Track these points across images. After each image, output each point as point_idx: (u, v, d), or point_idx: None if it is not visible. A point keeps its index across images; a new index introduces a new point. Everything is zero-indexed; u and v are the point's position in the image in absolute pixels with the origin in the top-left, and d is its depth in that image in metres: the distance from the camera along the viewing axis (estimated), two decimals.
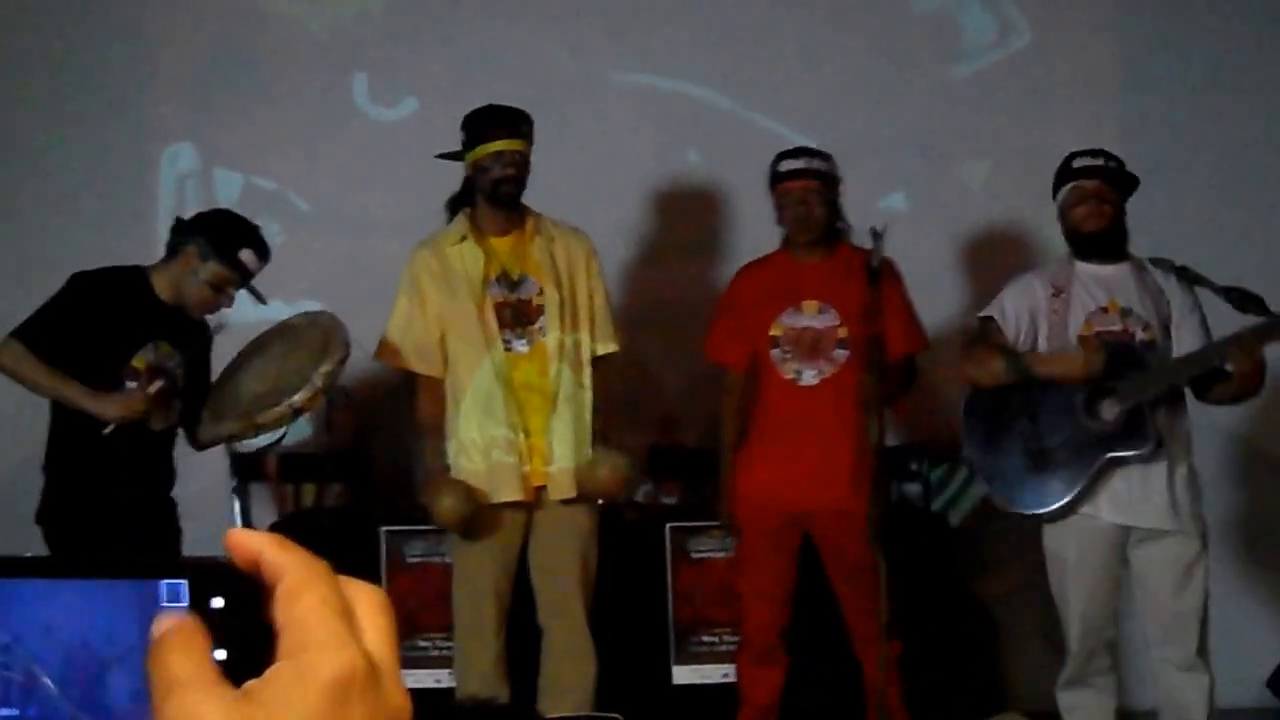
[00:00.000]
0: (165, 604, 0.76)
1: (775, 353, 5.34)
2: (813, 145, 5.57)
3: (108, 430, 4.76)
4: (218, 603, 0.76)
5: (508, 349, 5.11)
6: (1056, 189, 5.24)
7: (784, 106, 6.70)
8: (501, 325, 5.12)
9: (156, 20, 6.68)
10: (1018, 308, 5.17)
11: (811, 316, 5.35)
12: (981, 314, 5.29)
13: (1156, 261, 5.14)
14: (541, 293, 5.16)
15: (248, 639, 0.74)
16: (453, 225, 5.21)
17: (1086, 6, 6.81)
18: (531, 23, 6.72)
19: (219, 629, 0.74)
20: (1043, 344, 5.12)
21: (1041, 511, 5.04)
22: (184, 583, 0.76)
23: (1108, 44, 6.79)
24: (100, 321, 4.84)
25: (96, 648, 0.76)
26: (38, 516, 4.90)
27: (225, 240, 4.94)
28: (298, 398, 4.74)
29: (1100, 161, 5.16)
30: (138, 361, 4.88)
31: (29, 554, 0.79)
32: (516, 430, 5.07)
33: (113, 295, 4.89)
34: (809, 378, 5.31)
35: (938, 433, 6.26)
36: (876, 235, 5.03)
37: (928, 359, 5.66)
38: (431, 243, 5.22)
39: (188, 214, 6.58)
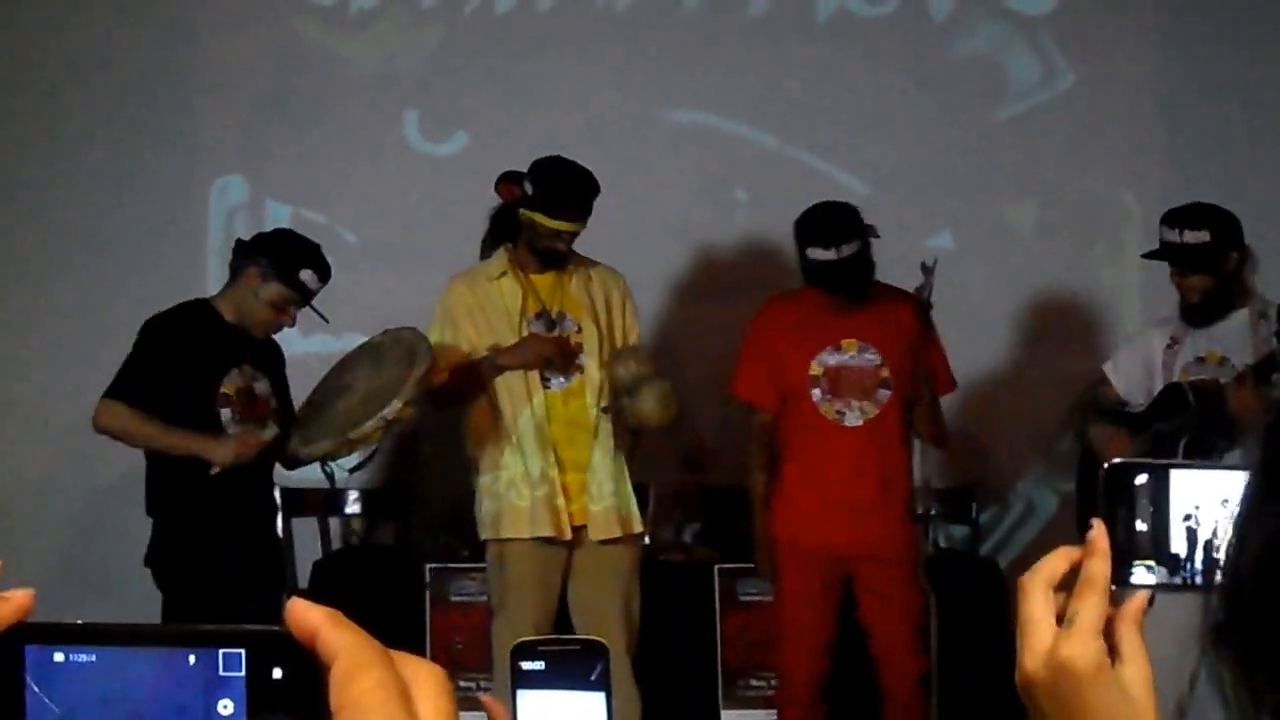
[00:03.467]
0: (223, 674, 0.74)
1: (815, 393, 5.18)
2: (844, 196, 5.40)
3: (214, 471, 4.80)
4: (277, 673, 0.74)
5: (546, 386, 5.10)
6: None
7: (830, 146, 6.69)
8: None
9: (209, 53, 6.71)
10: (1130, 363, 5.15)
11: (852, 355, 5.19)
12: (1104, 365, 5.26)
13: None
14: (580, 330, 5.15)
15: (308, 710, 0.73)
16: (493, 260, 5.19)
17: (1129, 48, 6.77)
18: (581, 60, 6.72)
19: (278, 700, 0.74)
20: (1155, 394, 5.08)
21: None
22: (242, 652, 0.74)
23: (1151, 85, 6.75)
24: (183, 359, 4.88)
25: (154, 718, 0.74)
26: (147, 559, 4.91)
27: (286, 261, 4.96)
28: (388, 410, 4.77)
29: (1175, 236, 5.00)
30: (227, 388, 4.92)
31: (80, 620, 0.75)
32: (561, 467, 5.06)
33: (187, 330, 4.93)
34: (852, 419, 5.16)
35: (987, 475, 6.20)
36: (927, 270, 4.95)
37: (978, 402, 5.60)
38: (469, 276, 5.21)
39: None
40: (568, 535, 5.04)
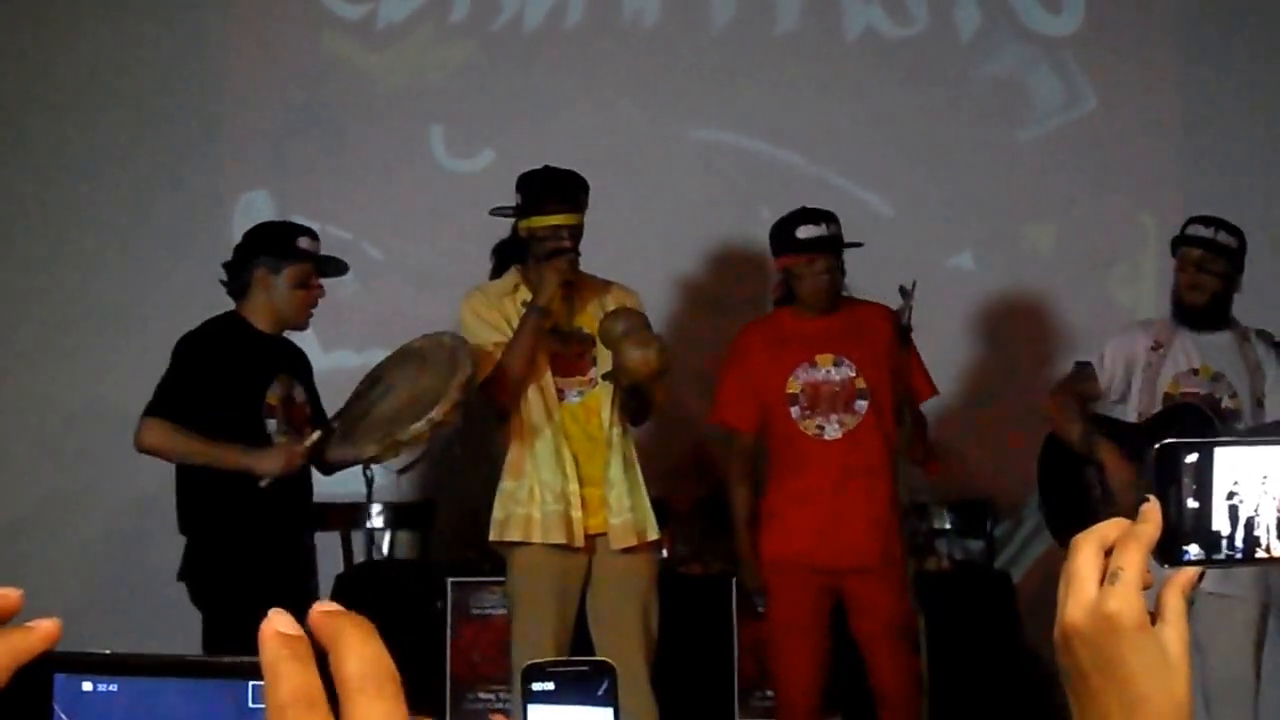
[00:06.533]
0: (252, 705, 0.74)
1: (794, 410, 5.21)
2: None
3: (265, 484, 4.76)
4: None
5: (561, 399, 5.10)
6: (1174, 249, 5.26)
7: (854, 165, 6.72)
8: (554, 374, 5.11)
9: (236, 69, 6.74)
10: (1115, 358, 5.19)
11: (828, 370, 5.21)
12: (1081, 359, 5.31)
13: (1260, 334, 5.15)
14: (595, 344, 5.14)
15: None
16: (505, 277, 5.19)
17: (1151, 71, 6.81)
18: (609, 77, 6.76)
19: None
20: (1134, 396, 5.13)
21: None
22: None
23: (1172, 108, 6.79)
24: (228, 373, 4.87)
25: None
26: (182, 574, 4.88)
27: (280, 243, 5.02)
28: (435, 412, 4.73)
29: (1210, 233, 5.14)
30: (271, 398, 4.93)
31: (109, 651, 0.76)
32: (580, 481, 5.05)
33: (228, 344, 4.92)
34: (832, 432, 5.18)
35: (1001, 489, 6.23)
36: (905, 293, 4.97)
37: (994, 417, 5.62)
38: (483, 290, 5.21)
39: None
40: (579, 543, 5.03)
